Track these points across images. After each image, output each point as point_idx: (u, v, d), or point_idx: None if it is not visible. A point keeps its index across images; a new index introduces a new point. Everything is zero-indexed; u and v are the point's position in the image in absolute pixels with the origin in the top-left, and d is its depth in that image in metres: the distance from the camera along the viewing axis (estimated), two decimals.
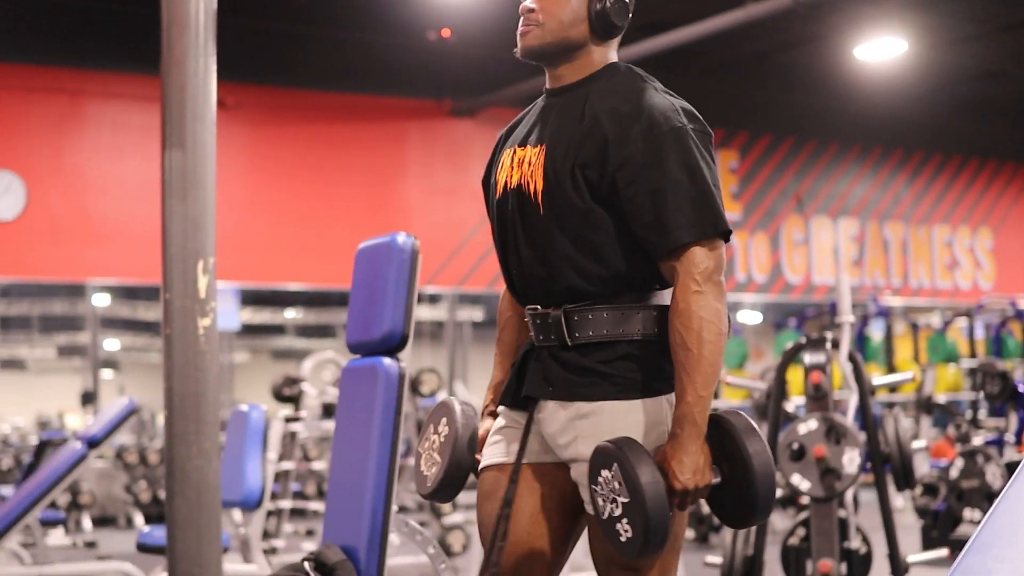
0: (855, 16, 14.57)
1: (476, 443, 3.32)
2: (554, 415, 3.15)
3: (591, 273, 3.08)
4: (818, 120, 18.08)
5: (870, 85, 17.15)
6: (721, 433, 2.97)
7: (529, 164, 3.16)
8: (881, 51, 15.21)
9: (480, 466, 3.33)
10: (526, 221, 3.16)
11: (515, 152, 3.24)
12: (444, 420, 3.37)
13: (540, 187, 3.11)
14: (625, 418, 3.05)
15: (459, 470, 3.29)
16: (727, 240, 3.05)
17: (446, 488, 3.31)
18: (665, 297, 3.12)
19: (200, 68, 5.02)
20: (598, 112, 3.08)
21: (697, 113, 3.12)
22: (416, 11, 14.08)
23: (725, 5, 13.17)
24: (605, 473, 2.92)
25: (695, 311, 2.94)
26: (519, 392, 3.24)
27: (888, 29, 14.76)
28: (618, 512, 2.90)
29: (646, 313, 3.08)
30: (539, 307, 3.17)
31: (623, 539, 2.90)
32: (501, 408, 3.33)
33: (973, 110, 19.30)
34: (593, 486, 2.97)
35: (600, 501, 2.94)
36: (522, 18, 3.23)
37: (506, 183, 3.23)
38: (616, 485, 2.89)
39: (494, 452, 3.30)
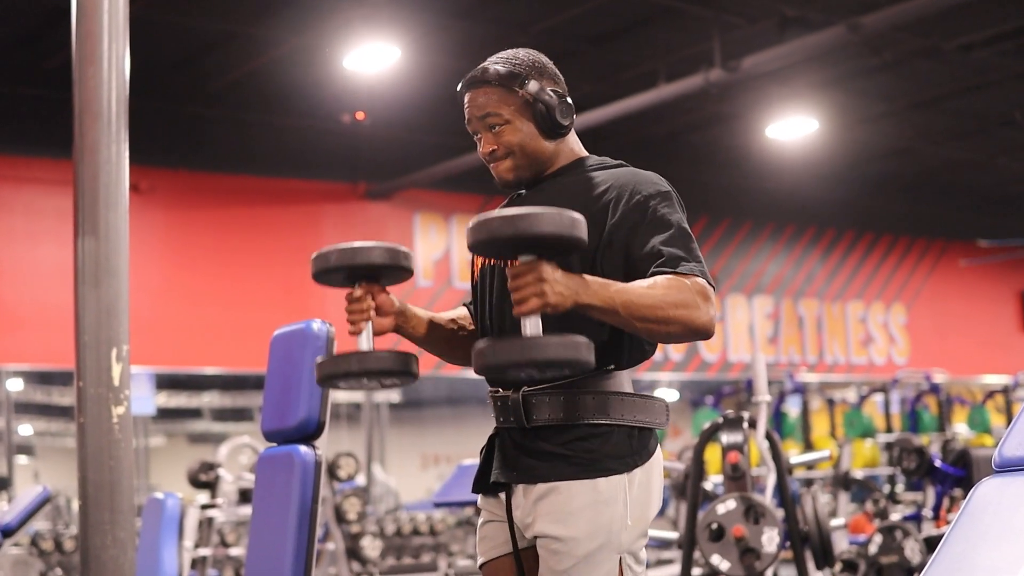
0: (766, 96, 14.74)
1: None
2: (521, 499, 3.20)
3: None
4: (731, 199, 18.23)
5: (782, 164, 17.34)
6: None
7: None
8: (792, 130, 15.39)
9: (479, 563, 3.38)
10: (497, 299, 3.23)
11: None
12: None
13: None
14: (581, 497, 3.10)
15: None
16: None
17: None
18: (624, 380, 3.17)
19: (112, 156, 4.99)
20: (576, 191, 3.20)
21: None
22: (330, 94, 14.11)
23: (638, 86, 13.30)
24: None
25: (688, 298, 3.00)
26: (487, 479, 3.28)
27: (799, 108, 14.94)
28: None
29: (604, 398, 3.12)
30: (500, 389, 3.22)
31: None
32: (480, 500, 3.38)
33: (884, 187, 19.55)
34: None
35: None
36: (488, 159, 3.32)
37: (484, 261, 3.32)
38: None
39: (487, 548, 3.35)
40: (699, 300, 3.01)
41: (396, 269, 3.08)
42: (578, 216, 2.76)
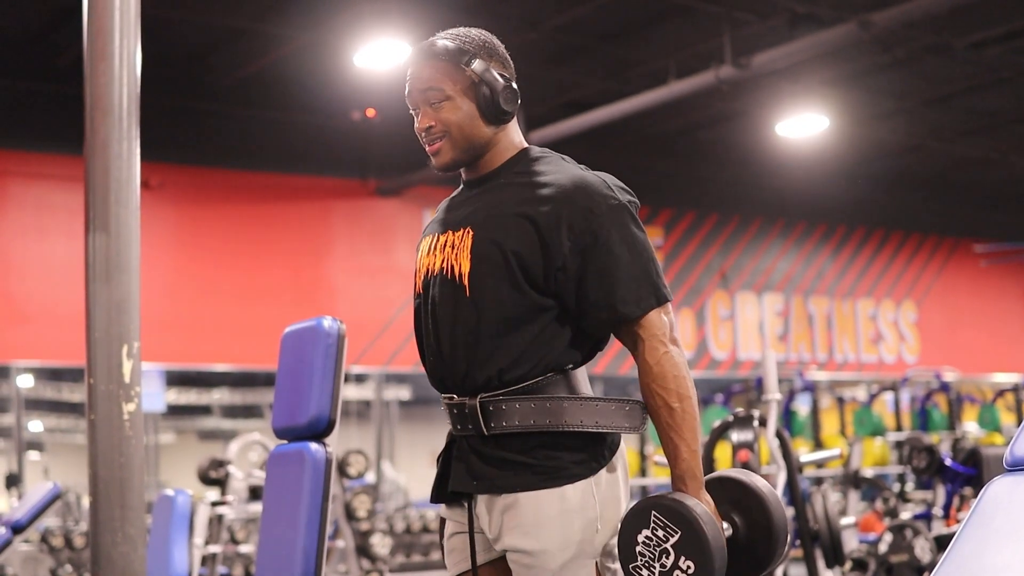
0: (777, 93, 14.72)
1: None
2: (485, 509, 3.11)
3: (511, 359, 3.04)
4: (742, 196, 18.22)
5: (793, 161, 17.32)
6: (730, 487, 3.04)
7: (453, 247, 3.11)
8: (803, 127, 15.36)
9: None
10: (448, 306, 3.11)
11: (437, 237, 3.20)
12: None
13: (466, 269, 3.07)
14: (548, 507, 3.02)
15: None
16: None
17: None
18: (581, 380, 3.12)
19: (123, 152, 4.99)
20: (524, 197, 3.06)
21: (620, 182, 3.12)
22: (341, 91, 14.11)
23: (648, 83, 13.30)
24: (645, 532, 2.94)
25: (668, 371, 2.98)
26: (445, 487, 3.19)
27: (809, 106, 14.92)
28: (670, 560, 2.91)
29: (564, 403, 3.04)
30: (455, 396, 3.13)
31: None
32: (443, 510, 3.28)
33: (895, 184, 19.53)
34: (632, 564, 2.96)
35: (646, 572, 2.94)
36: (424, 137, 3.20)
37: (428, 268, 3.19)
38: (660, 533, 2.91)
39: (457, 560, 3.24)
40: (683, 372, 3.01)
41: None
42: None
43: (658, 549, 2.91)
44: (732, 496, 3.03)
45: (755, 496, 3.00)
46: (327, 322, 3.89)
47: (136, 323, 5.00)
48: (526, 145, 3.25)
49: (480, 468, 3.09)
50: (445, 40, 3.19)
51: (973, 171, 19.78)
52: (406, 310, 14.75)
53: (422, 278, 3.21)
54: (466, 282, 3.07)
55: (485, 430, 3.06)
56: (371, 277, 15.21)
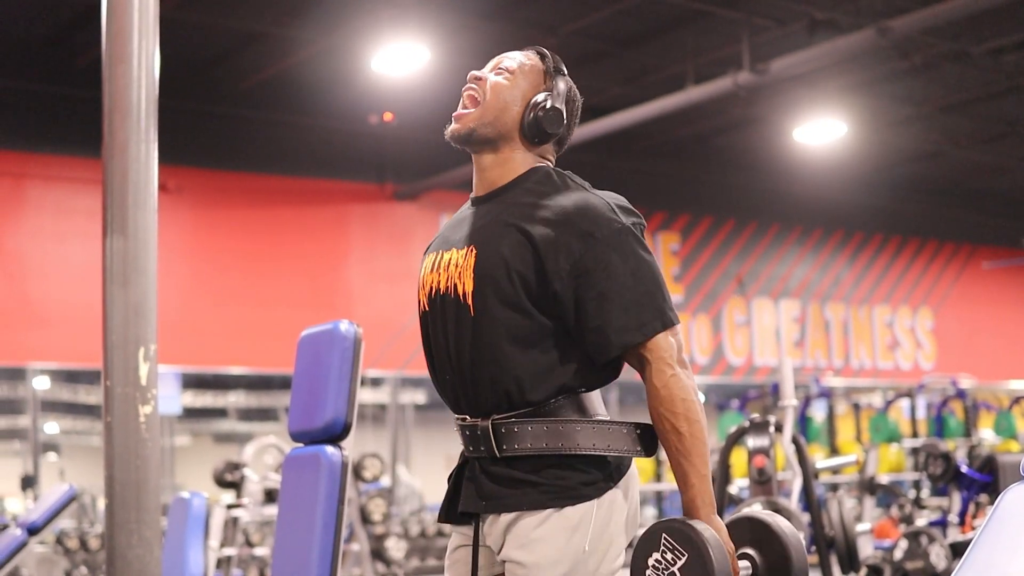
0: (794, 99, 14.71)
1: None
2: (492, 527, 3.10)
3: (522, 380, 3.02)
4: (759, 202, 18.20)
5: (810, 167, 17.31)
6: (756, 527, 3.05)
7: (456, 266, 3.09)
8: (820, 133, 15.35)
9: None
10: (454, 326, 3.09)
11: (440, 255, 3.17)
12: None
13: (470, 288, 3.04)
14: (548, 523, 3.01)
15: None
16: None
17: None
18: (595, 403, 3.10)
19: (142, 155, 5.00)
20: (526, 217, 3.04)
21: (627, 203, 3.09)
22: (358, 95, 14.13)
23: (666, 89, 13.29)
24: (655, 555, 2.93)
25: (676, 394, 2.95)
26: (455, 508, 3.19)
27: (827, 112, 14.91)
28: None
29: (576, 426, 3.02)
30: (467, 417, 3.11)
31: None
32: (449, 526, 3.27)
33: (912, 191, 19.50)
34: None
35: None
36: (467, 87, 3.19)
37: (432, 287, 3.16)
38: (669, 556, 2.90)
39: (459, 573, 3.23)
40: (691, 396, 2.98)
41: None
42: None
43: (666, 572, 2.91)
44: (756, 536, 3.03)
45: (778, 539, 3.00)
46: (344, 326, 3.90)
47: (153, 326, 5.01)
48: (539, 164, 3.20)
49: (489, 488, 3.08)
50: (547, 53, 3.24)
51: (991, 178, 19.76)
52: None
53: (427, 296, 3.18)
54: (471, 302, 3.05)
55: (497, 452, 3.05)
56: (388, 281, 15.22)
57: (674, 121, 14.70)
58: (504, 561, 3.08)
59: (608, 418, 3.08)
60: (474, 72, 3.20)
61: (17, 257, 13.47)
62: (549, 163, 3.23)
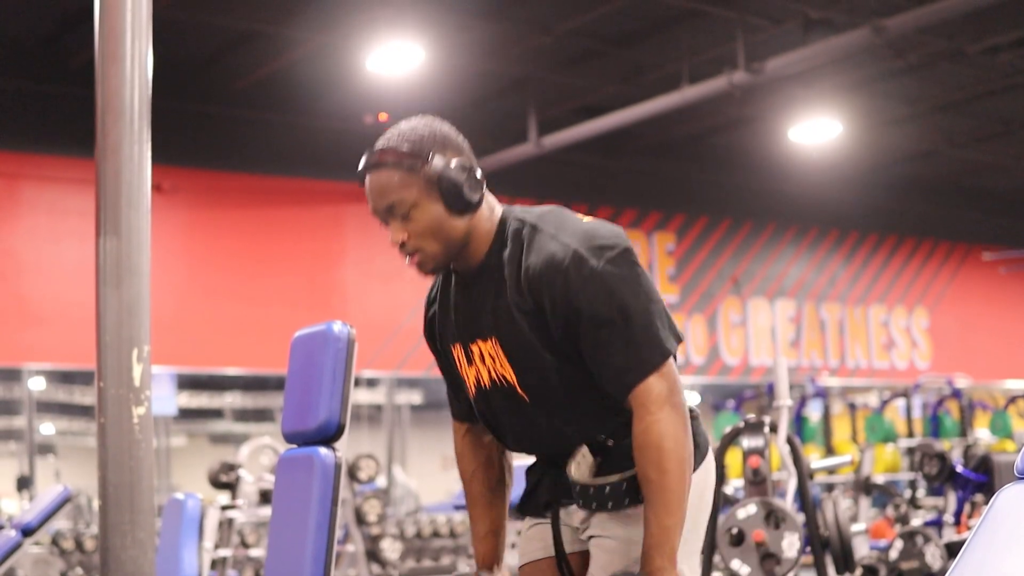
0: (790, 98, 14.72)
1: None
2: (576, 512, 3.18)
3: (591, 430, 3.10)
4: (754, 202, 18.20)
5: (805, 166, 17.32)
6: None
7: (493, 358, 3.12)
8: (816, 133, 15.37)
9: (520, 563, 3.34)
10: (515, 408, 3.14)
11: (468, 347, 3.19)
12: None
13: (515, 379, 3.09)
14: (636, 522, 3.05)
15: None
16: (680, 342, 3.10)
17: None
18: None
19: (135, 155, 4.98)
20: (514, 289, 3.04)
21: (602, 233, 3.04)
22: (353, 95, 14.13)
23: (661, 88, 13.29)
24: None
25: (653, 442, 2.94)
26: (538, 501, 3.27)
27: (822, 111, 14.92)
28: None
29: None
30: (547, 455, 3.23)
31: None
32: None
33: (908, 190, 19.50)
34: None
35: None
36: (400, 251, 3.13)
37: (478, 380, 3.19)
38: None
39: (534, 549, 3.30)
40: (671, 444, 2.96)
41: None
42: None
43: None
44: None
45: None
46: (337, 326, 3.89)
47: (146, 327, 4.99)
48: (499, 215, 3.16)
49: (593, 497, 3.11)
50: (396, 145, 3.09)
51: (986, 177, 19.78)
52: (417, 314, 14.76)
53: (474, 387, 3.21)
54: (521, 392, 3.10)
55: (610, 508, 3.10)
56: (383, 281, 15.20)
57: (669, 120, 14.69)
58: (592, 536, 3.15)
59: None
60: (393, 240, 3.11)
61: (12, 257, 13.45)
62: (499, 207, 3.18)
